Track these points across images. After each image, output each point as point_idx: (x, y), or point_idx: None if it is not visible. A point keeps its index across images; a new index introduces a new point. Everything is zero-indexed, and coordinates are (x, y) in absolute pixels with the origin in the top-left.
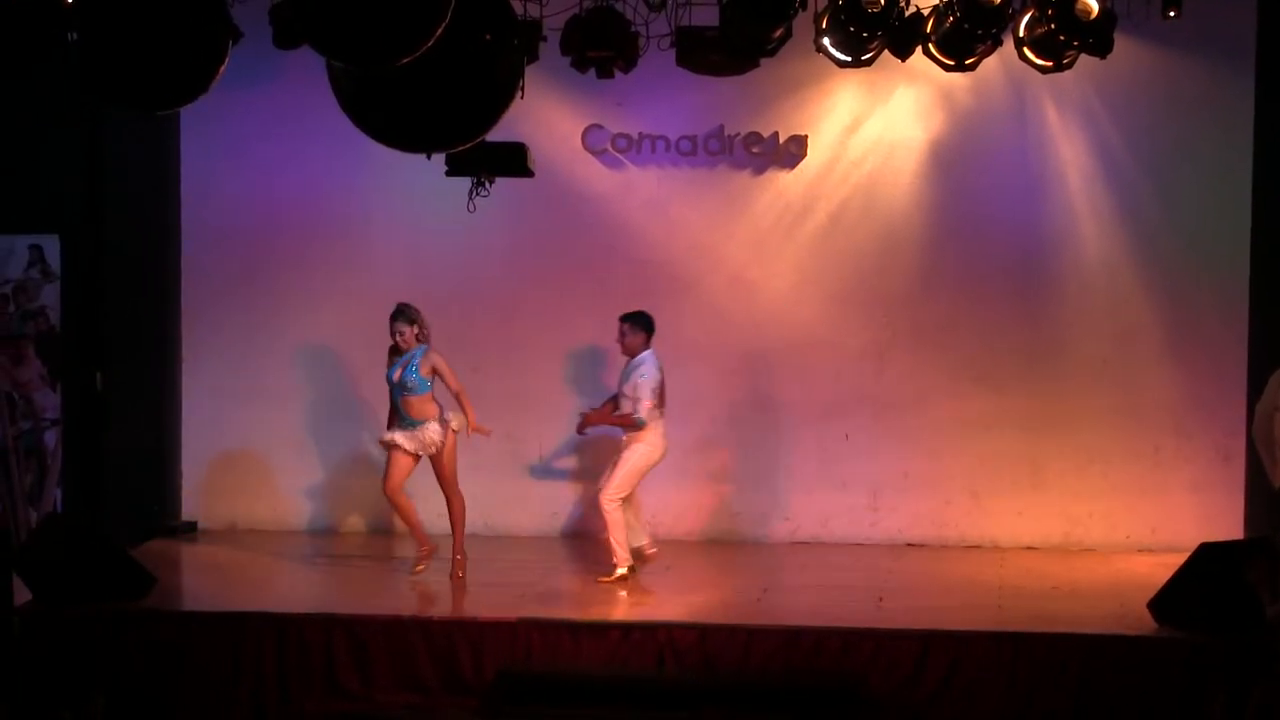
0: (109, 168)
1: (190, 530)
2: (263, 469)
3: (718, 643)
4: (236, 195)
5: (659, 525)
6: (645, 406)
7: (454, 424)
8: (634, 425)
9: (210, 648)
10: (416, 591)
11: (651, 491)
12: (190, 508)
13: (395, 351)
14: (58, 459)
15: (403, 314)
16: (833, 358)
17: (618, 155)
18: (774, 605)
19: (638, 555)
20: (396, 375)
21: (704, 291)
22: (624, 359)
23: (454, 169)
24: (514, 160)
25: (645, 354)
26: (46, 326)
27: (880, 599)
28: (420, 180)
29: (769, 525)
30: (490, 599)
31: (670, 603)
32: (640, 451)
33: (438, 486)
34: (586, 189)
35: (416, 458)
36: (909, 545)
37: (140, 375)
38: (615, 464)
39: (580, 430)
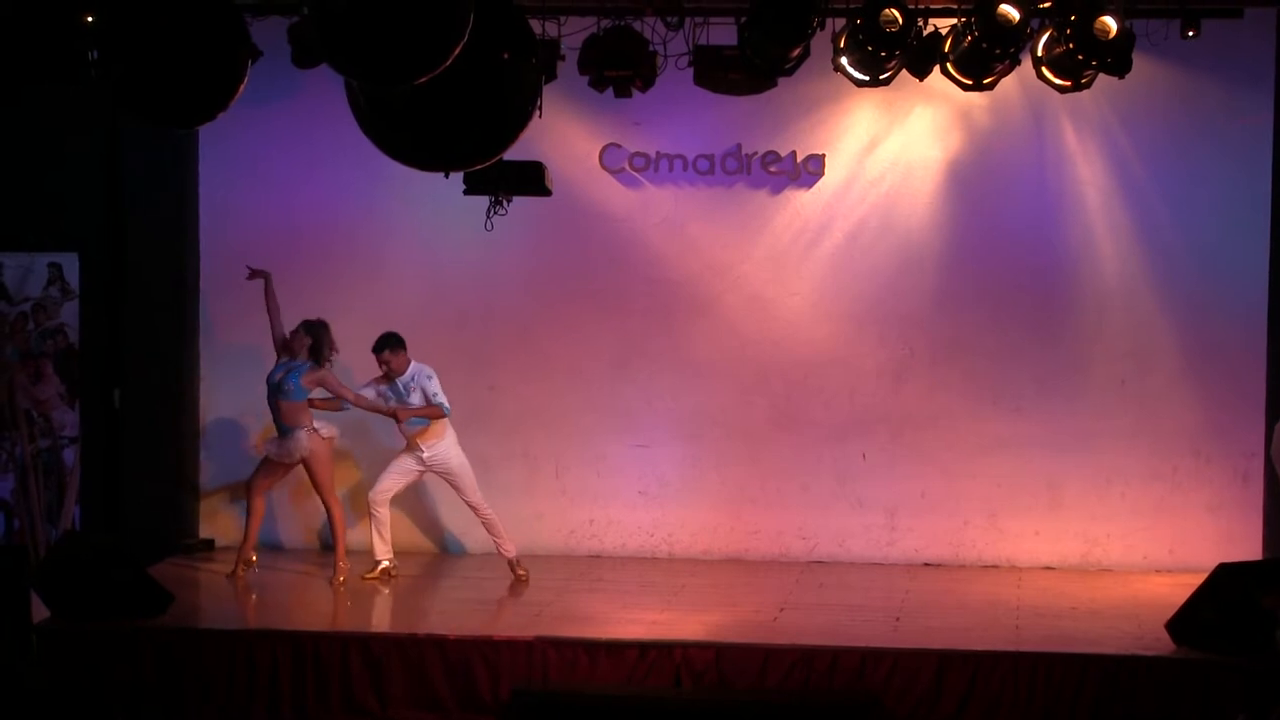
0: (127, 186)
1: (208, 548)
2: (279, 486)
3: (734, 662)
4: (254, 213)
5: (675, 543)
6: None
7: (324, 432)
8: (440, 414)
9: (227, 665)
10: (434, 610)
11: (667, 509)
12: (208, 526)
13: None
14: (76, 476)
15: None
16: (850, 377)
17: (635, 174)
18: (790, 624)
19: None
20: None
21: (721, 310)
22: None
23: (472, 188)
24: (532, 179)
25: (415, 366)
26: (65, 344)
27: (897, 619)
28: (438, 198)
29: (786, 544)
30: (507, 618)
31: (687, 622)
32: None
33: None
34: (604, 208)
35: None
36: (926, 565)
37: (159, 393)
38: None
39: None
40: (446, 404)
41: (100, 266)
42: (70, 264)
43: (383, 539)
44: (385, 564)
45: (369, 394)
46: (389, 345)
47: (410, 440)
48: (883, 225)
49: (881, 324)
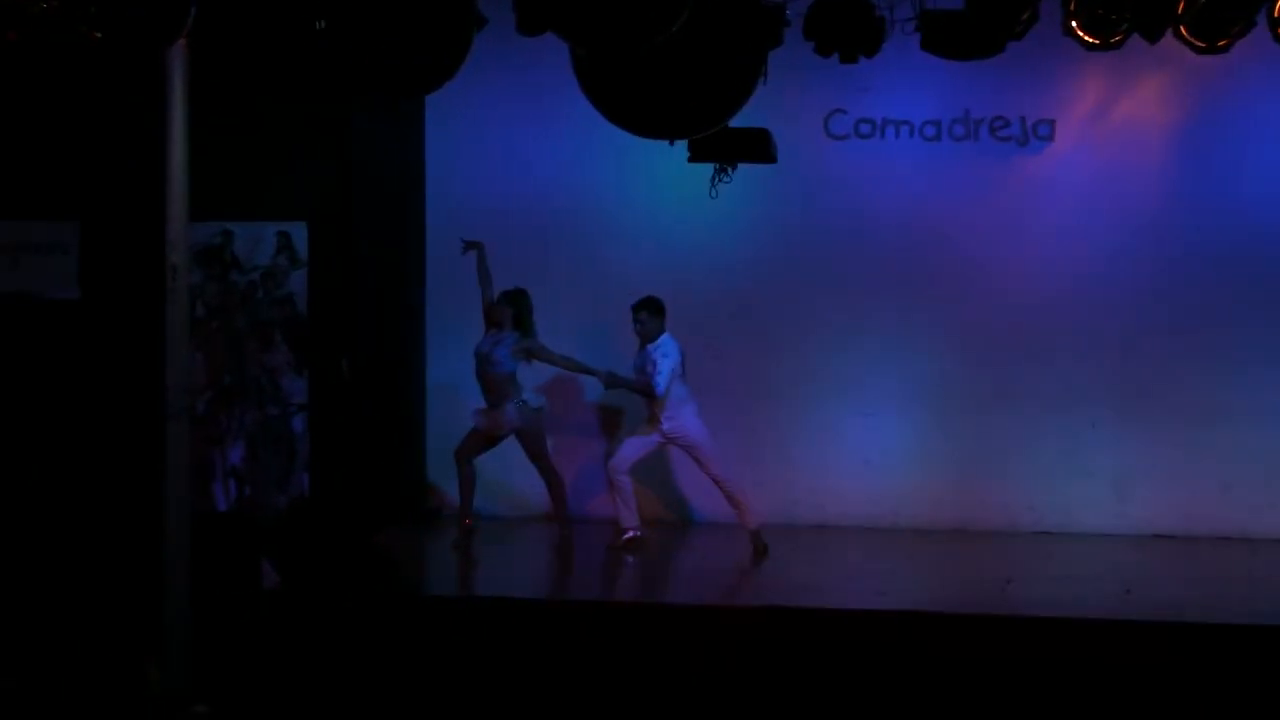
0: (356, 155)
1: (435, 516)
2: (502, 456)
3: (959, 633)
4: (480, 183)
5: (900, 514)
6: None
7: (533, 403)
8: (649, 391)
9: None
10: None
11: (891, 479)
12: (434, 496)
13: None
14: (305, 444)
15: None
16: (1078, 345)
17: (861, 140)
18: (1018, 596)
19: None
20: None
21: (947, 278)
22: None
23: (696, 155)
24: (757, 146)
25: (666, 339)
26: (293, 313)
27: (1128, 591)
28: (663, 168)
29: (1013, 515)
30: (744, 588)
31: (912, 592)
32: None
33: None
34: (830, 175)
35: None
36: (1156, 536)
37: (386, 361)
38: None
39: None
40: (662, 384)
41: (328, 235)
42: (299, 233)
43: (627, 507)
44: (631, 534)
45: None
46: (648, 307)
47: (651, 411)
48: (1113, 191)
49: (1111, 292)
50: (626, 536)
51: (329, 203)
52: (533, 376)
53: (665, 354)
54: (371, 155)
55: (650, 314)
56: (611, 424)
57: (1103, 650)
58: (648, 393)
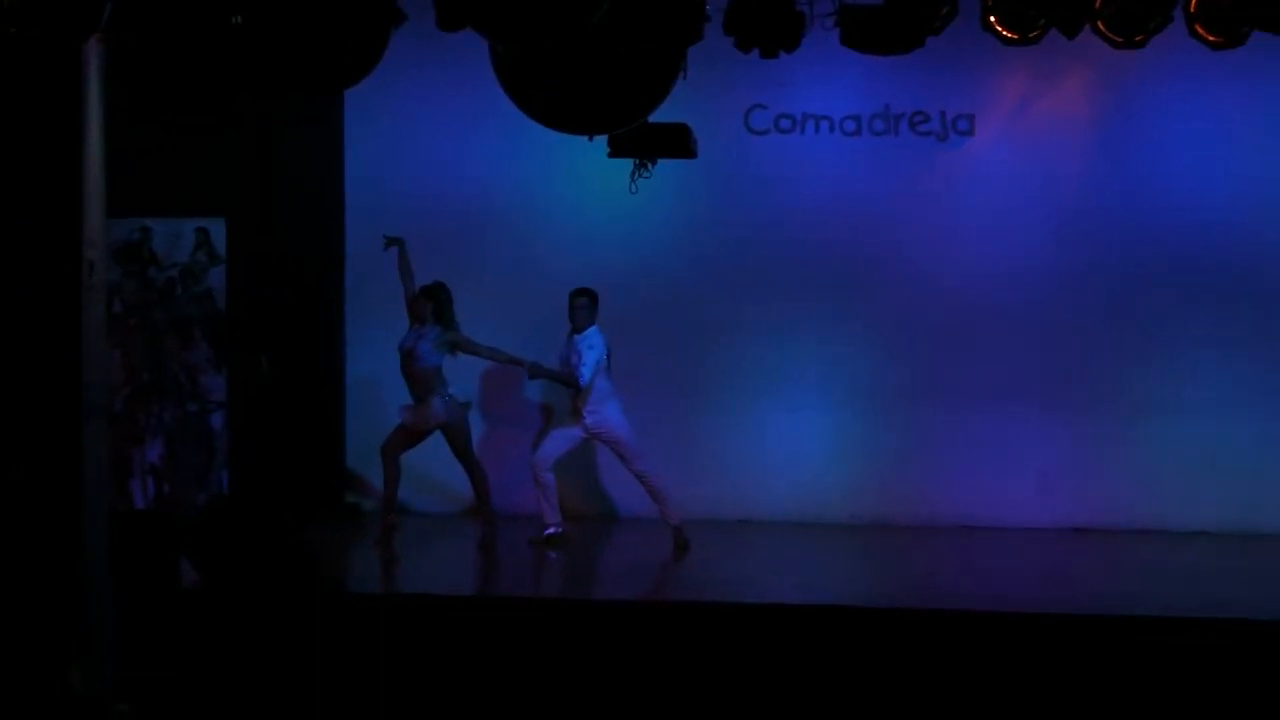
0: (275, 151)
1: (354, 514)
2: (426, 453)
3: (881, 626)
4: (402, 179)
5: (824, 509)
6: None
7: (459, 398)
8: (575, 384)
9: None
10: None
11: (817, 474)
12: (352, 491)
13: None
14: (224, 442)
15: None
16: (1001, 339)
17: (781, 136)
18: (939, 589)
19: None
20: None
21: (870, 272)
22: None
23: (616, 150)
24: (677, 141)
25: (593, 332)
26: (212, 309)
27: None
28: (583, 164)
29: (935, 508)
30: (667, 582)
31: (834, 586)
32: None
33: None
34: (751, 170)
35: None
36: (1077, 530)
37: (305, 358)
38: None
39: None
40: (586, 375)
41: (247, 232)
42: (218, 229)
43: (550, 504)
44: (553, 530)
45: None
46: (588, 294)
47: (574, 404)
48: (1033, 186)
49: (1032, 285)
50: (548, 532)
51: (248, 199)
52: (458, 371)
53: (590, 345)
54: (291, 151)
55: (590, 301)
56: (539, 418)
57: (1022, 644)
58: (572, 384)
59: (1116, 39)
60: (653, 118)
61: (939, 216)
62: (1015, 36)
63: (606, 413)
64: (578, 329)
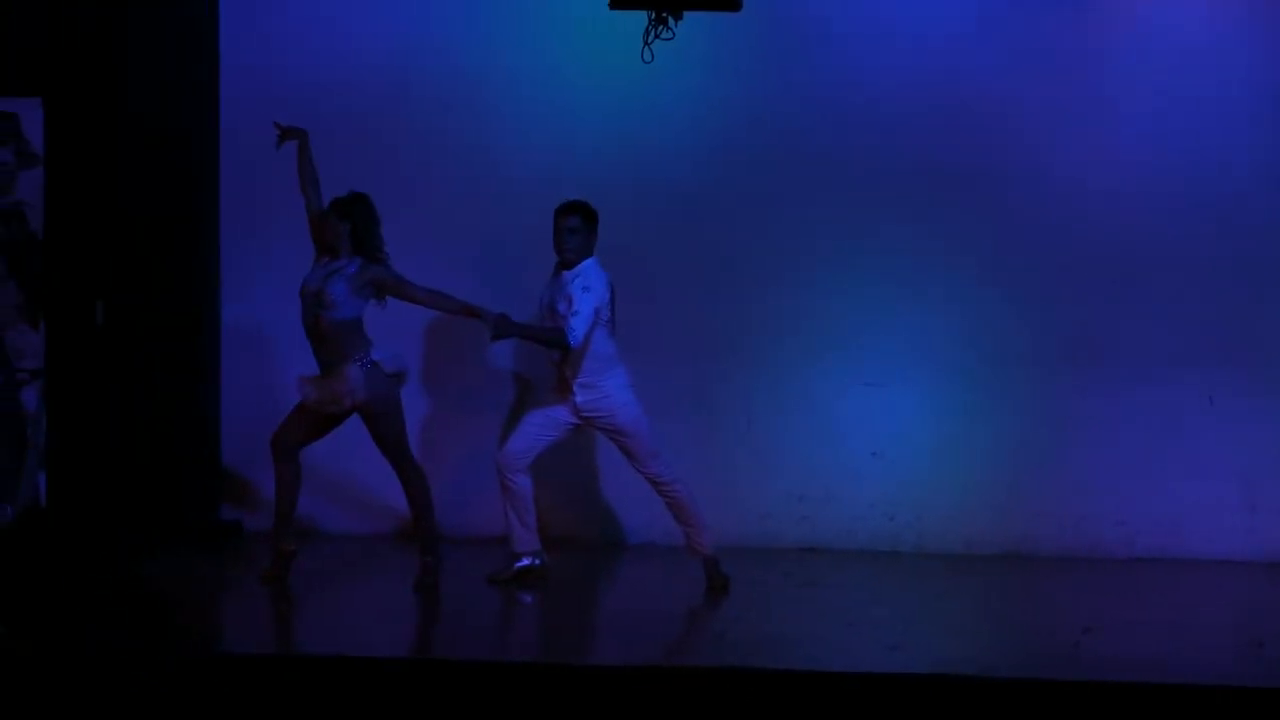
0: (115, 11)
1: (234, 533)
2: (340, 446)
3: None
4: (298, 49)
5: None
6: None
7: (388, 366)
8: (562, 344)
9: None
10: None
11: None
12: (232, 502)
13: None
14: (41, 428)
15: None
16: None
17: None
18: None
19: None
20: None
21: (993, 189)
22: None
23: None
24: None
25: (591, 265)
26: (23, 233)
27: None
28: (570, 18)
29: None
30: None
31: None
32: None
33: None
34: (817, 32)
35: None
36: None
37: (161, 307)
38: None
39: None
40: (580, 330)
41: (75, 121)
42: (32, 115)
43: (523, 523)
44: (527, 562)
45: None
46: (581, 212)
47: (560, 375)
48: (1239, 61)
49: (1231, 211)
50: (520, 565)
51: (77, 74)
52: (388, 326)
53: (586, 287)
54: (139, 11)
55: (584, 222)
56: (508, 396)
57: None
58: (558, 344)
59: None
60: None
61: (1091, 107)
62: None
63: (607, 386)
64: (566, 263)
